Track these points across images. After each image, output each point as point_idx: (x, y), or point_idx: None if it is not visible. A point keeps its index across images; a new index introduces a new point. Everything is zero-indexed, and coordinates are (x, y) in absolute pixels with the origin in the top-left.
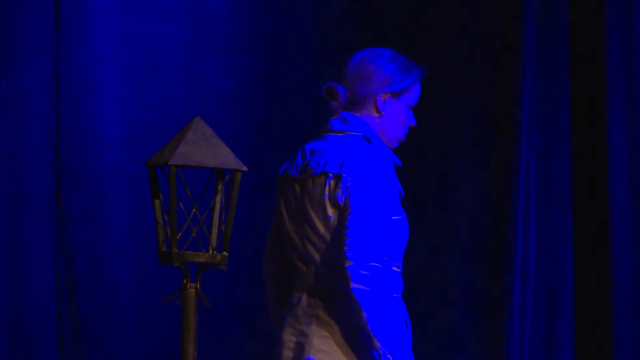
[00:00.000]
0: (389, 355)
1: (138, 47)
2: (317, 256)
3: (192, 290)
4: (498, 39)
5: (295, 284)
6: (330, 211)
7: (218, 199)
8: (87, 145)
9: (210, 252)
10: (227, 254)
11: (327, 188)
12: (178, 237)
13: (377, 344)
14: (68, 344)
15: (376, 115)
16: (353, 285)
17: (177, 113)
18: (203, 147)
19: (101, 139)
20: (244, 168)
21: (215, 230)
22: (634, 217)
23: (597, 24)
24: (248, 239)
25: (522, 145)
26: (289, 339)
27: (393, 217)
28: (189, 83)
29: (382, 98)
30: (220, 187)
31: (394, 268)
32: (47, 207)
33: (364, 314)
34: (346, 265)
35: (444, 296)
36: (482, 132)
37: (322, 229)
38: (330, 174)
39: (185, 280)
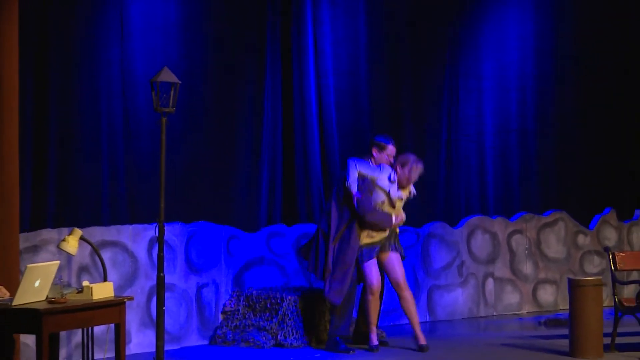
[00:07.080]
0: None
1: None
2: None
3: None
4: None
5: None
6: None
7: (172, 92)
8: None
9: (169, 107)
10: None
11: None
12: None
13: None
14: None
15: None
16: None
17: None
18: (167, 75)
19: None
20: (179, 82)
21: (171, 101)
22: None
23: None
24: None
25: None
26: None
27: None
28: None
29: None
30: (172, 87)
31: None
32: None
33: None
34: None
35: None
36: None
37: None
38: None
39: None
